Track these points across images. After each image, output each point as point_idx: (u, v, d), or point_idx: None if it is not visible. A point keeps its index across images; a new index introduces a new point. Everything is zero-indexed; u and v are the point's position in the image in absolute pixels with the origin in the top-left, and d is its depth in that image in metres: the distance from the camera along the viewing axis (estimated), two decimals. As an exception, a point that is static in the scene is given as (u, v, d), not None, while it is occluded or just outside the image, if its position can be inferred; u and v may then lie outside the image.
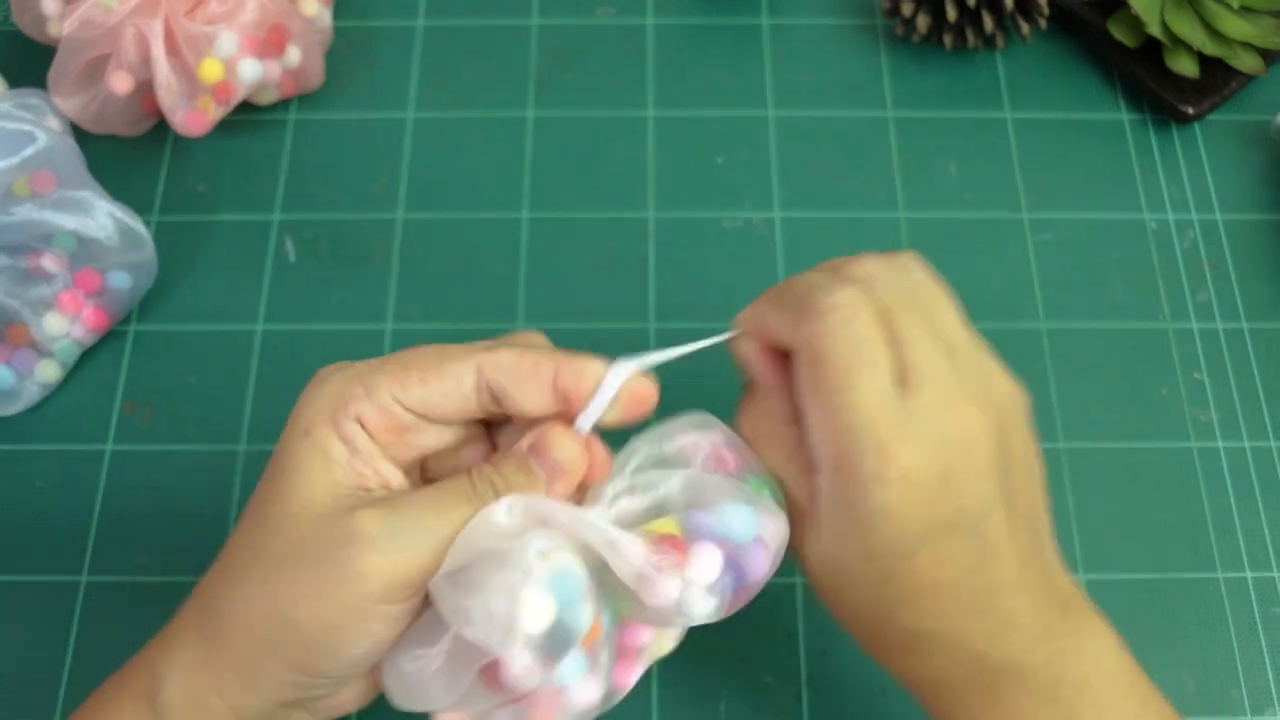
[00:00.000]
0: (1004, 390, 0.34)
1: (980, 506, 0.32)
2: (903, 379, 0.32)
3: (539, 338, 0.36)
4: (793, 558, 0.34)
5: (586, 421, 0.33)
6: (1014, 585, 0.33)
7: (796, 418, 0.33)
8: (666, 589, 0.30)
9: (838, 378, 0.31)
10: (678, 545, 0.31)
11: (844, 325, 0.32)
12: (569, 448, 0.33)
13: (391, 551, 0.30)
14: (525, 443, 0.33)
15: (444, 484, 0.32)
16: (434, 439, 0.34)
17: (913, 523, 0.31)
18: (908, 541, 0.31)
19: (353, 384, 0.33)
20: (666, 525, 0.32)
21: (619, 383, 0.33)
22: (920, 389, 0.32)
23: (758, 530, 0.32)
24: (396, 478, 0.34)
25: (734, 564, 0.32)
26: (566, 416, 0.33)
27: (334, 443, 0.32)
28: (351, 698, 0.34)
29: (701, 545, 0.31)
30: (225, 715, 0.32)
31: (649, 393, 0.34)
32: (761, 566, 0.32)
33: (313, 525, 0.31)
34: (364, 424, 0.33)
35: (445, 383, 0.33)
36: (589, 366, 0.33)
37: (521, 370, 0.33)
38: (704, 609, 0.31)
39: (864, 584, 0.33)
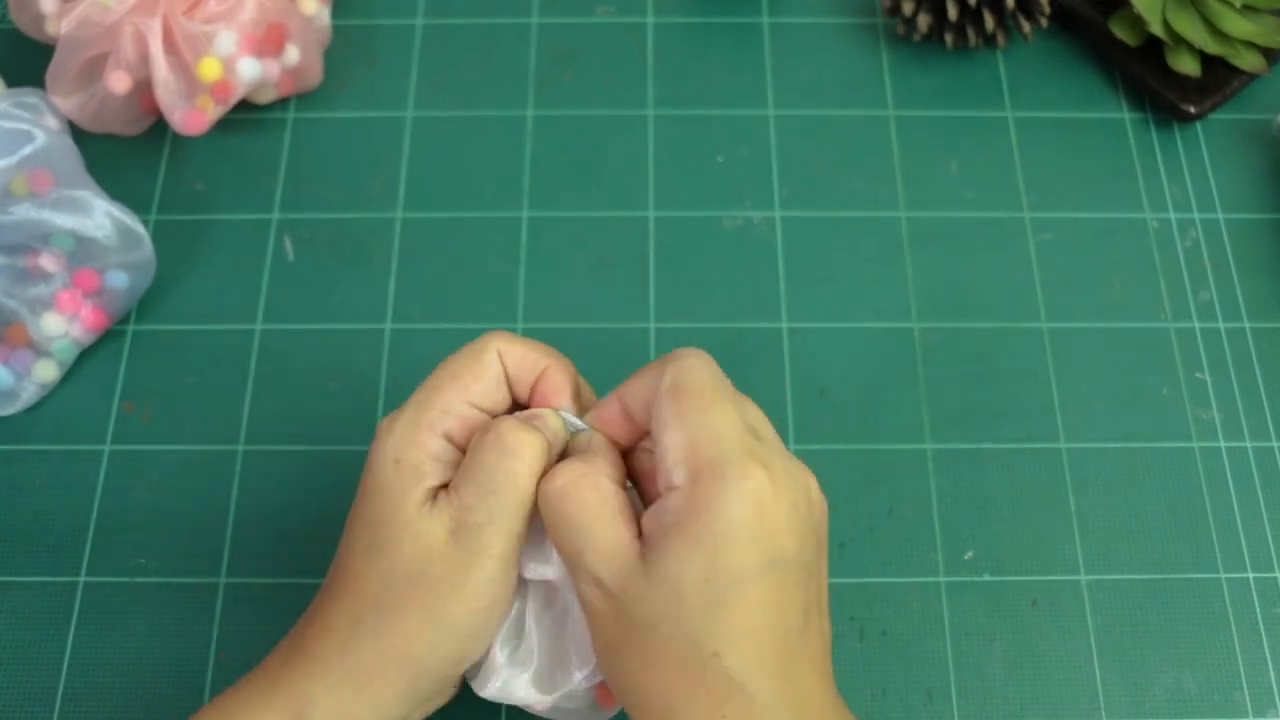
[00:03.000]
0: (819, 494, 0.36)
1: (813, 563, 0.34)
2: (749, 427, 0.34)
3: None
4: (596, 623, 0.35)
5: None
6: (810, 666, 0.34)
7: (621, 478, 0.36)
8: None
9: (701, 399, 0.34)
10: None
11: (706, 364, 0.35)
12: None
13: (495, 549, 0.35)
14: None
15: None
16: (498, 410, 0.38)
17: (760, 542, 0.32)
18: (751, 566, 0.32)
19: (426, 410, 0.36)
20: None
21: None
22: (767, 439, 0.35)
23: None
24: None
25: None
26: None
27: (424, 461, 0.35)
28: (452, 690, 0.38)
29: None
30: None
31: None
32: None
33: (433, 562, 0.34)
34: (451, 439, 0.36)
35: (488, 369, 0.36)
36: (555, 395, 0.38)
37: (525, 364, 0.37)
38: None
39: (695, 613, 0.32)
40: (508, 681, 0.37)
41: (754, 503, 0.32)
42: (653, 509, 0.34)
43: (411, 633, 0.34)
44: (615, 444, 0.37)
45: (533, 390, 0.37)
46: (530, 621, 0.37)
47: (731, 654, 0.32)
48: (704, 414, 0.33)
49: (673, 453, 0.33)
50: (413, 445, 0.35)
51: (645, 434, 0.37)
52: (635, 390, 0.36)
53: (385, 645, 0.34)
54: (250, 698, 0.35)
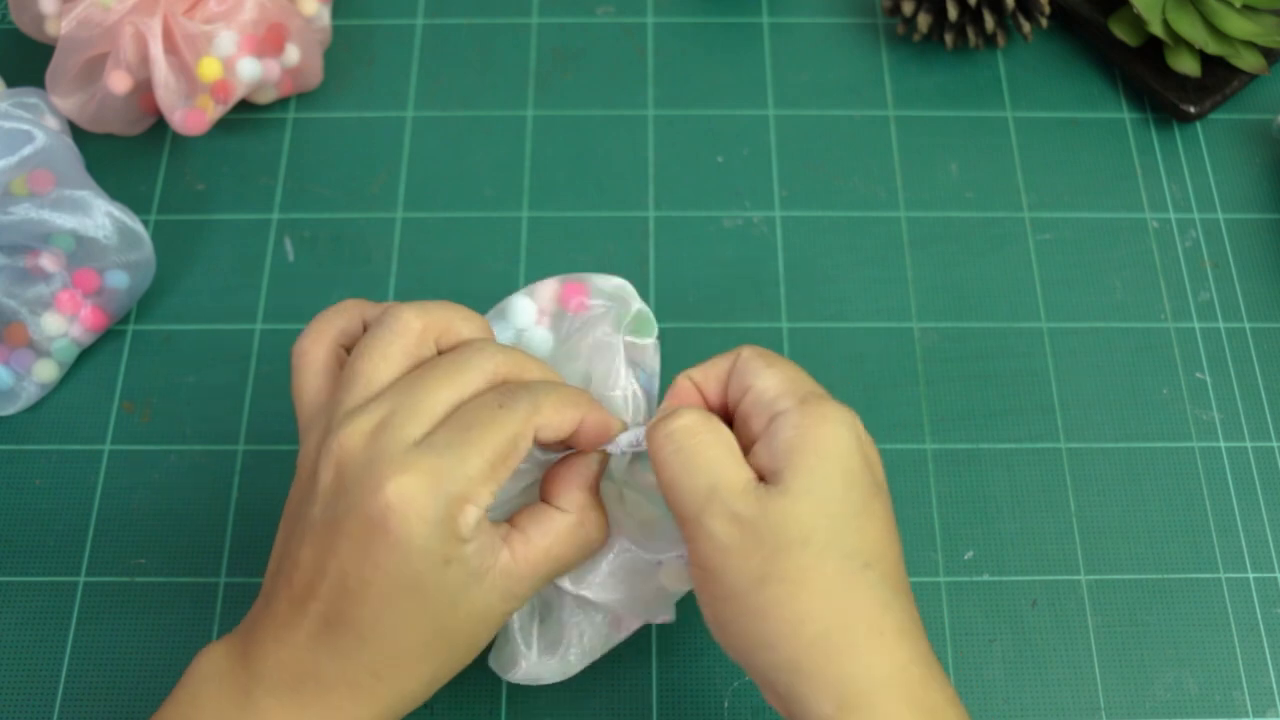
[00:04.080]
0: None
1: (887, 497, 0.37)
2: None
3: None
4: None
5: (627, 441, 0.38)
6: (908, 586, 0.37)
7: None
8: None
9: (790, 362, 0.37)
10: None
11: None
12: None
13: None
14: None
15: (552, 527, 0.36)
16: None
17: (867, 464, 0.35)
18: (870, 484, 0.35)
19: (461, 506, 0.33)
20: None
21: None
22: None
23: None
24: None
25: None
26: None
27: (469, 555, 0.34)
28: None
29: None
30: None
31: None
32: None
33: (483, 628, 0.35)
34: (481, 524, 0.34)
35: (520, 456, 0.34)
36: (602, 432, 0.37)
37: (561, 431, 0.35)
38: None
39: (841, 523, 0.34)
40: (533, 665, 0.38)
41: (850, 429, 0.35)
42: (760, 443, 0.35)
43: (434, 679, 0.35)
44: None
45: (576, 439, 0.36)
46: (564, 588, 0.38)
47: (878, 567, 0.34)
48: (795, 369, 0.37)
49: (775, 388, 0.36)
50: (459, 546, 0.33)
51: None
52: (708, 371, 0.38)
53: (404, 690, 0.35)
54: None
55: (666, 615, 0.39)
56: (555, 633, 0.39)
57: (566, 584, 0.38)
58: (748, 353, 0.37)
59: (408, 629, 0.34)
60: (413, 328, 0.35)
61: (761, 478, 0.35)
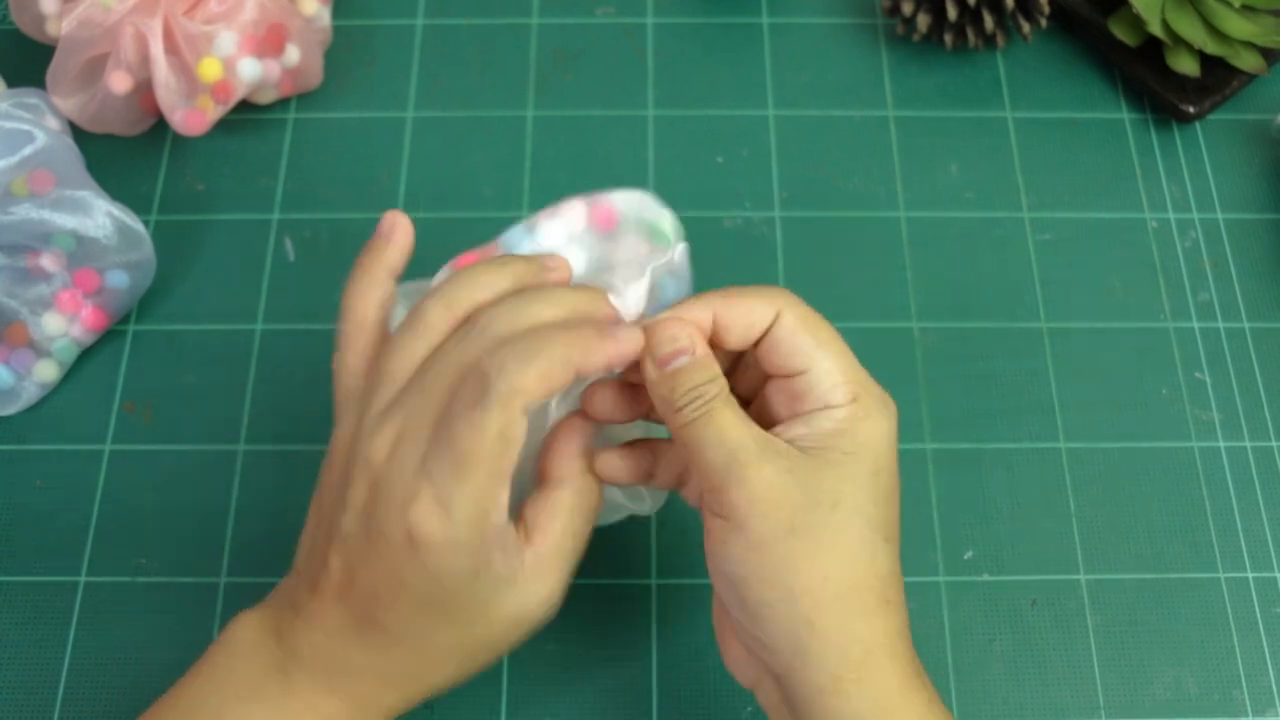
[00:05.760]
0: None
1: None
2: None
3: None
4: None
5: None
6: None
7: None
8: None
9: (833, 332, 0.36)
10: None
11: (807, 304, 0.37)
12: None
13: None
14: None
15: (559, 511, 0.36)
16: None
17: (895, 461, 0.36)
18: (895, 476, 0.36)
19: (481, 519, 0.34)
20: None
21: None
22: None
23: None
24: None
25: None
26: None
27: (496, 563, 0.34)
28: None
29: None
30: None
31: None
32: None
33: (516, 621, 0.35)
34: (503, 530, 0.35)
35: (519, 443, 0.34)
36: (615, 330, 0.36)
37: (556, 390, 0.35)
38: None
39: (869, 497, 0.34)
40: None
41: (889, 427, 0.36)
42: (800, 420, 0.35)
43: (465, 673, 0.36)
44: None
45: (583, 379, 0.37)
46: None
47: (891, 545, 0.35)
48: (844, 348, 0.36)
49: (829, 378, 0.35)
50: (484, 557, 0.34)
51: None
52: (740, 312, 0.36)
53: (434, 684, 0.36)
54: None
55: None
56: None
57: None
58: (791, 321, 0.36)
59: (440, 635, 0.35)
60: (437, 328, 0.36)
61: (791, 442, 0.35)
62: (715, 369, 0.35)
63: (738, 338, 0.36)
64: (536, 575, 0.35)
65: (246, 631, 0.36)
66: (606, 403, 0.37)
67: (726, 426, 0.34)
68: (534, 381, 0.33)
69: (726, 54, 0.59)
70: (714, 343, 0.36)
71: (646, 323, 0.36)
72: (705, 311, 0.36)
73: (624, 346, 0.35)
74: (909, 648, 0.35)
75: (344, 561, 0.35)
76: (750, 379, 0.38)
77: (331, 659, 0.35)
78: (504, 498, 0.34)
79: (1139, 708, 0.44)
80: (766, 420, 0.36)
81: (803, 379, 0.35)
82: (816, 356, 0.35)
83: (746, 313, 0.36)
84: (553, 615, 0.36)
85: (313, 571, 0.36)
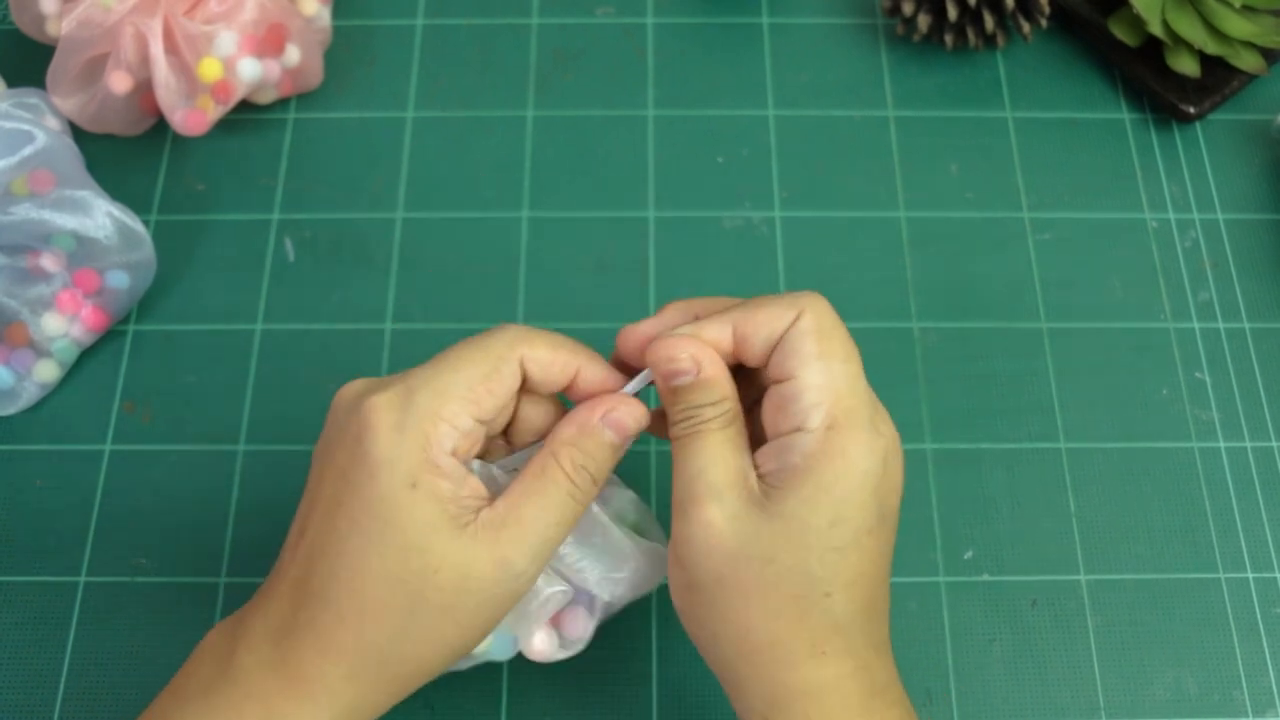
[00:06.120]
0: (892, 430, 0.37)
1: (894, 524, 0.36)
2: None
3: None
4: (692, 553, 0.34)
5: (633, 388, 0.37)
6: (885, 610, 0.36)
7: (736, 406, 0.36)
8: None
9: (845, 345, 0.34)
10: None
11: (833, 309, 0.35)
12: (640, 416, 0.36)
13: (532, 569, 0.34)
14: (597, 415, 0.35)
15: (545, 487, 0.34)
16: (500, 423, 0.37)
17: (879, 497, 0.34)
18: (871, 518, 0.34)
19: (433, 421, 0.33)
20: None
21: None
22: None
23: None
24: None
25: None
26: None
27: (442, 484, 0.33)
28: None
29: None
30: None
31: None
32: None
33: (474, 593, 0.33)
34: (456, 453, 0.34)
35: (505, 383, 0.34)
36: (603, 384, 0.37)
37: (552, 370, 0.35)
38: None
39: (815, 555, 0.33)
40: (543, 640, 0.39)
41: (881, 459, 0.34)
42: (774, 446, 0.34)
43: (435, 660, 0.34)
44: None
45: (573, 390, 0.36)
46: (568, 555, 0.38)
47: (840, 596, 0.33)
48: (846, 362, 0.34)
49: (811, 394, 0.33)
50: (430, 471, 0.33)
51: (738, 363, 0.36)
52: (760, 320, 0.34)
53: (401, 671, 0.34)
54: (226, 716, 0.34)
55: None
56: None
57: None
58: (805, 324, 0.34)
59: (374, 557, 0.33)
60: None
61: (761, 476, 0.34)
62: (720, 391, 0.35)
63: (758, 349, 0.35)
64: (489, 533, 0.33)
65: (209, 639, 0.36)
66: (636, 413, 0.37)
67: (703, 453, 0.34)
68: (544, 344, 0.35)
69: (726, 54, 0.59)
70: (738, 356, 0.35)
71: (655, 339, 0.36)
72: (723, 329, 0.35)
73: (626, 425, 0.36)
74: (863, 688, 0.34)
75: (305, 504, 0.35)
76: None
77: (275, 627, 0.34)
78: (466, 420, 0.33)
79: (1139, 708, 0.44)
80: (757, 434, 0.35)
81: (789, 386, 0.34)
82: (809, 365, 0.34)
83: (766, 321, 0.34)
84: (515, 598, 0.34)
85: (279, 565, 0.35)
